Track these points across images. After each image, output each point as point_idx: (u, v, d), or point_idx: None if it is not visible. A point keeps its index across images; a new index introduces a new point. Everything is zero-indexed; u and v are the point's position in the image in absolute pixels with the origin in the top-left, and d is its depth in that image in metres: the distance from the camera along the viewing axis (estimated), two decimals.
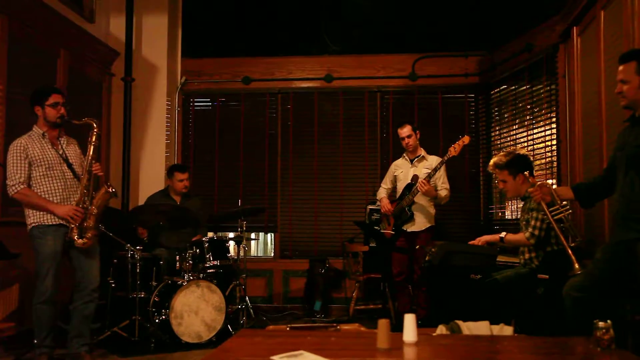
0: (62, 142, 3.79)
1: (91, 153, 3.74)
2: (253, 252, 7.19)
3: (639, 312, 3.04)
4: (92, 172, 3.72)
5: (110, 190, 3.73)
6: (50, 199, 3.64)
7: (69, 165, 3.74)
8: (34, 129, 3.74)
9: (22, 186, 3.58)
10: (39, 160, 3.64)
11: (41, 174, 3.65)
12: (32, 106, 3.73)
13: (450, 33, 6.25)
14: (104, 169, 5.49)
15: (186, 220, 4.79)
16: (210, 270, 4.70)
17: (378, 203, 5.21)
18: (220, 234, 6.02)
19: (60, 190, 3.69)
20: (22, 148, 3.62)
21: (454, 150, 4.64)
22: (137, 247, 4.45)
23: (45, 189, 3.65)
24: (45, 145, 3.70)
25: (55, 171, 3.68)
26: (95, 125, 3.79)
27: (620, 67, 2.77)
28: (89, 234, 3.67)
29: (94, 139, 3.76)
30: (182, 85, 6.47)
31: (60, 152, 3.74)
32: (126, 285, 4.41)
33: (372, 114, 6.47)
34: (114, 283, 4.49)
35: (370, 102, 6.48)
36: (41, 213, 3.62)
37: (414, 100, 6.43)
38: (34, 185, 3.65)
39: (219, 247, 4.85)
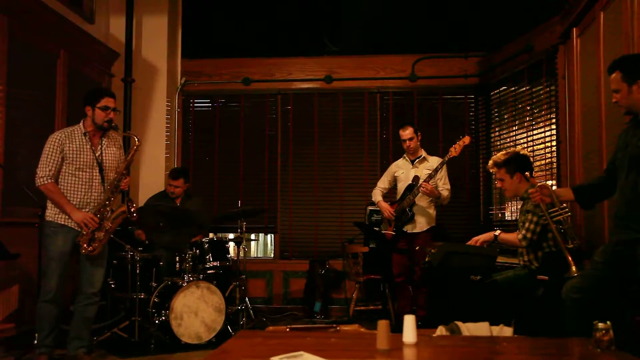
0: (103, 143, 3.79)
1: (123, 169, 3.76)
2: (253, 253, 7.19)
3: (638, 313, 3.05)
4: (119, 187, 3.74)
5: (131, 210, 3.71)
6: (70, 198, 3.65)
7: (101, 171, 3.74)
8: (79, 124, 3.75)
9: (49, 180, 3.60)
10: (72, 158, 3.65)
11: (70, 172, 3.66)
12: (84, 105, 3.75)
13: (449, 34, 6.25)
14: None
15: (186, 222, 4.79)
16: (210, 271, 4.71)
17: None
18: (220, 234, 6.02)
19: (82, 194, 3.69)
20: (59, 142, 3.63)
21: (454, 150, 4.65)
22: (137, 248, 4.46)
23: (68, 187, 3.66)
24: (84, 144, 3.70)
25: (84, 173, 3.69)
26: (137, 141, 3.80)
27: (610, 78, 2.81)
28: (96, 244, 3.67)
29: (130, 155, 3.78)
30: (182, 86, 6.47)
31: (97, 154, 3.74)
32: (126, 286, 4.41)
33: (372, 115, 6.47)
34: (114, 284, 4.50)
35: (370, 103, 6.48)
36: (58, 210, 3.64)
37: (413, 101, 6.44)
38: (61, 179, 3.66)
39: (219, 248, 4.85)
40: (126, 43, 5.85)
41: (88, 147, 3.72)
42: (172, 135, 6.33)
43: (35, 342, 3.66)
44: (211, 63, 6.63)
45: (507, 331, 2.70)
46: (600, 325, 2.20)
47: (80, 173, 3.68)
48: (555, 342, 2.50)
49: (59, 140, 3.64)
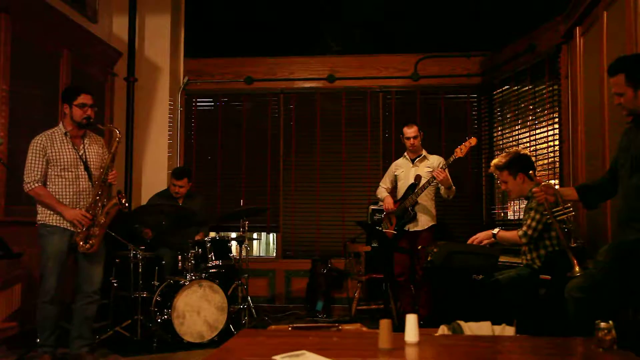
0: (85, 142, 3.81)
1: (109, 162, 3.76)
2: (255, 252, 7.19)
3: None
4: (107, 181, 3.74)
5: (122, 202, 3.73)
6: (61, 199, 3.66)
7: (86, 168, 3.74)
8: (59, 125, 3.76)
9: (37, 184, 3.61)
10: (55, 160, 3.66)
11: (56, 173, 3.67)
12: (62, 103, 3.76)
13: (452, 33, 6.25)
14: None
15: (188, 220, 4.80)
16: (212, 270, 4.71)
17: (380, 203, 5.20)
18: (222, 233, 6.03)
19: (71, 193, 3.69)
20: (41, 146, 3.64)
21: (460, 151, 4.62)
22: (140, 247, 4.46)
23: (56, 189, 3.67)
24: (65, 144, 3.71)
25: (70, 173, 3.69)
26: (119, 133, 3.81)
27: (611, 80, 2.74)
28: (93, 241, 3.67)
29: (114, 148, 3.77)
30: (184, 85, 6.48)
31: (81, 153, 3.75)
32: (128, 284, 4.42)
33: (374, 114, 6.47)
34: (117, 283, 4.50)
35: (373, 102, 6.48)
36: (49, 212, 3.65)
37: (416, 100, 6.43)
38: (49, 182, 3.67)
39: (221, 247, 4.86)
40: (129, 42, 5.86)
41: (70, 146, 3.72)
42: (175, 134, 6.34)
43: (38, 341, 3.66)
44: (214, 62, 6.64)
45: (509, 331, 2.70)
46: (603, 324, 2.20)
47: (66, 173, 3.68)
48: (558, 341, 2.49)
49: (41, 143, 3.65)
